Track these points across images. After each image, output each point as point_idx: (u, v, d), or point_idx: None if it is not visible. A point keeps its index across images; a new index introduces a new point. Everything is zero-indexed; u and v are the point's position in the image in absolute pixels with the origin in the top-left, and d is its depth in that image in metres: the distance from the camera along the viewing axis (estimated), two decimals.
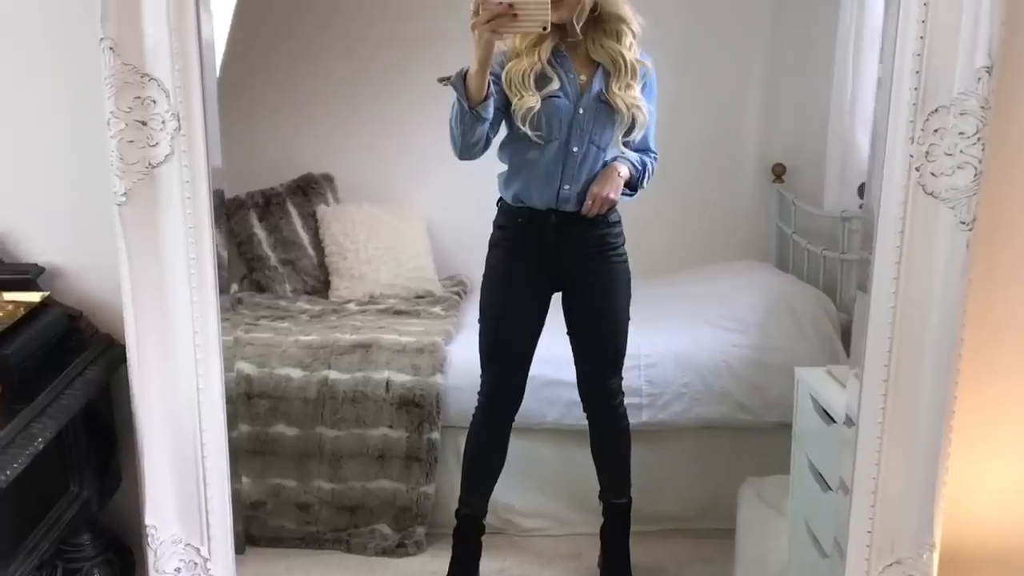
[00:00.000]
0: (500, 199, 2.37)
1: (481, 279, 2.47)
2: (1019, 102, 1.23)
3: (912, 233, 1.21)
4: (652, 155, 2.35)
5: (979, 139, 1.17)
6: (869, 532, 1.29)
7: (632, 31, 2.20)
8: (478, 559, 2.55)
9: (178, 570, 1.32)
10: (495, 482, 2.54)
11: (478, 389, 2.48)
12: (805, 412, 1.91)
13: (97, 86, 1.21)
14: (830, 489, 1.75)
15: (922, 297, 1.23)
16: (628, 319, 2.44)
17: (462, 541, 2.54)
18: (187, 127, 1.21)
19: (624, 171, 2.25)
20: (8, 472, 1.05)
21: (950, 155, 1.18)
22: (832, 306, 3.07)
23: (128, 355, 1.27)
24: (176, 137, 1.21)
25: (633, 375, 2.83)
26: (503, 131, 2.26)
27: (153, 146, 1.20)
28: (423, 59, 3.16)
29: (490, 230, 2.41)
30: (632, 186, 2.30)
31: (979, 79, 1.16)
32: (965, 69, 1.16)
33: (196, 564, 1.33)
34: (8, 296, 1.30)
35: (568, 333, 2.45)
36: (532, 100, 2.13)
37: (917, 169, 1.19)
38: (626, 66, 2.17)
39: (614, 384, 2.48)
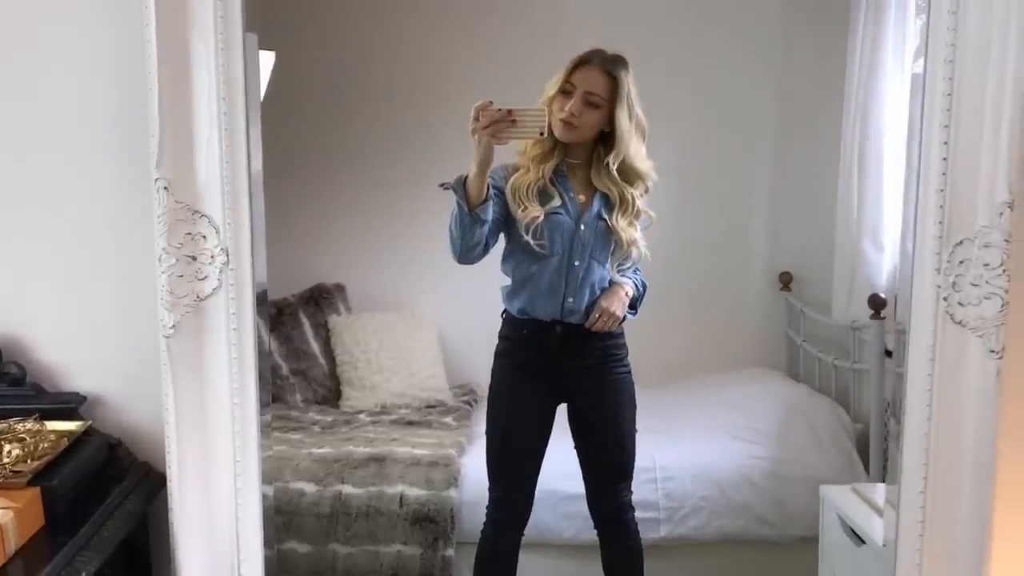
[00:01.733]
0: (504, 311, 2.41)
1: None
2: None
3: (943, 362, 1.24)
4: (640, 275, 2.40)
5: (1004, 270, 1.21)
6: None
7: (646, 185, 2.26)
8: None
9: None
10: None
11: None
12: (831, 530, 1.90)
13: (145, 222, 1.25)
14: None
15: (955, 424, 1.25)
16: (634, 430, 2.44)
17: None
18: (235, 261, 1.24)
19: (630, 290, 2.30)
20: None
21: (976, 286, 1.22)
22: (847, 416, 3.07)
23: (169, 481, 1.27)
24: (224, 271, 1.24)
25: (649, 488, 2.81)
26: (502, 243, 2.31)
27: (202, 280, 1.24)
28: (432, 172, 3.23)
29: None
30: (633, 305, 2.34)
31: (1001, 213, 1.20)
32: (987, 203, 1.21)
33: None
34: (51, 426, 1.31)
35: (575, 447, 2.44)
36: (536, 211, 2.19)
37: (945, 299, 1.23)
38: (632, 208, 2.23)
39: (623, 498, 2.45)
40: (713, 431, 3.06)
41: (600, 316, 2.24)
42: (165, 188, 1.21)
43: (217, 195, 1.22)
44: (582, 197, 2.26)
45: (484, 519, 2.50)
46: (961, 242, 1.22)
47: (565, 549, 2.80)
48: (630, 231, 2.24)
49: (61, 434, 1.30)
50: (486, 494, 2.52)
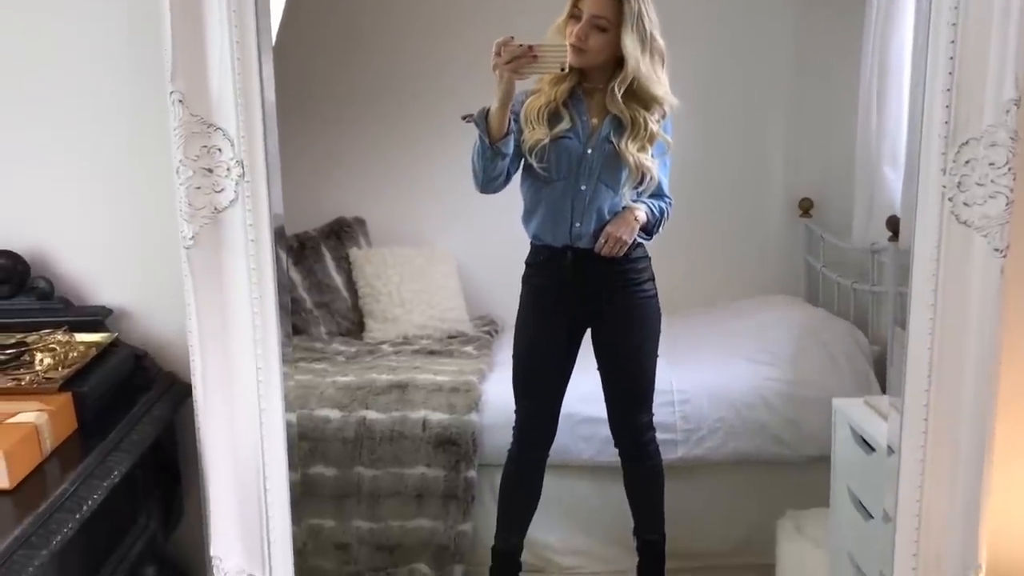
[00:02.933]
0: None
1: (514, 318, 2.51)
2: None
3: (947, 262, 1.25)
4: (667, 200, 2.40)
5: (1009, 169, 1.22)
6: (915, 555, 1.31)
7: (663, 111, 2.26)
8: None
9: None
10: (531, 518, 2.56)
11: (513, 425, 2.52)
12: (844, 443, 1.93)
13: (162, 136, 1.29)
14: (872, 518, 1.77)
15: (959, 324, 1.26)
16: (655, 356, 2.47)
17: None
18: (251, 173, 1.27)
19: (641, 215, 2.30)
20: (90, 502, 1.10)
21: (981, 185, 1.23)
22: (864, 338, 3.09)
23: (194, 391, 1.32)
24: (240, 183, 1.27)
25: (667, 411, 2.85)
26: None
27: (219, 192, 1.27)
28: (451, 105, 3.23)
29: (518, 270, 2.47)
30: (648, 230, 2.35)
31: (1007, 111, 1.20)
32: (993, 102, 1.21)
33: None
34: (80, 337, 1.36)
35: (598, 369, 2.48)
36: (541, 134, 2.20)
37: (950, 199, 1.24)
38: (645, 130, 2.22)
39: (642, 420, 2.50)
40: (730, 355, 3.09)
41: (607, 241, 2.26)
42: (180, 101, 1.24)
43: (231, 108, 1.25)
44: (594, 120, 2.26)
45: (505, 442, 2.56)
46: (967, 142, 1.23)
47: (583, 470, 2.86)
48: (640, 156, 2.23)
49: (89, 345, 1.35)
50: (507, 418, 2.58)
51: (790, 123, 3.81)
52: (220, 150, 1.26)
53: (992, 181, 1.22)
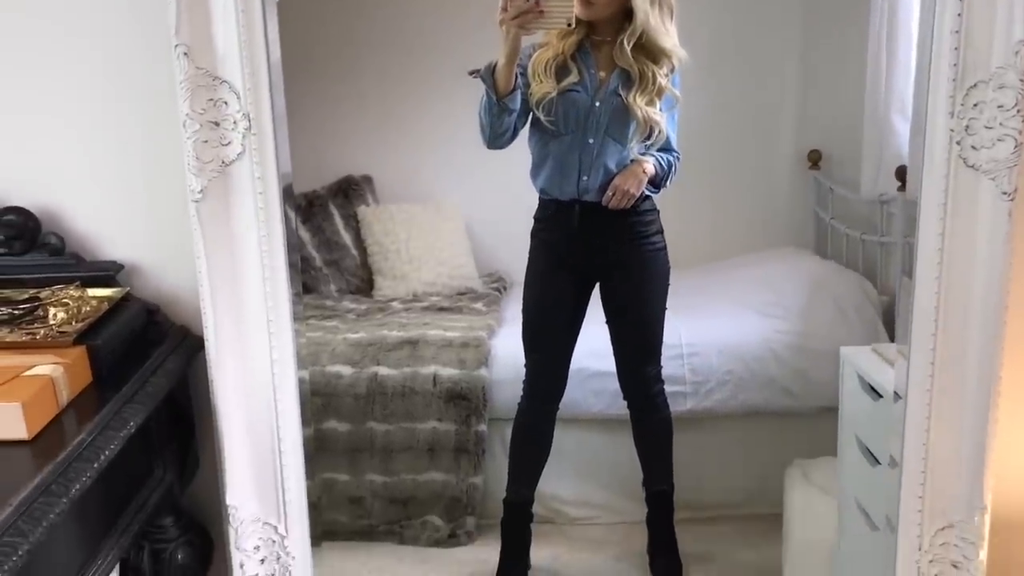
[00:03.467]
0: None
1: (522, 274, 2.53)
2: None
3: (955, 206, 1.25)
4: (675, 155, 2.39)
5: (1018, 111, 1.21)
6: (920, 497, 1.33)
7: (672, 64, 2.24)
8: (528, 547, 2.61)
9: (257, 548, 1.39)
10: (541, 471, 2.60)
11: (523, 379, 2.54)
12: (851, 390, 1.95)
13: (169, 90, 1.29)
14: (878, 463, 1.78)
15: (966, 269, 1.27)
16: (664, 308, 2.48)
17: (511, 529, 2.59)
18: (257, 126, 1.27)
19: (649, 168, 2.30)
20: (107, 452, 1.12)
21: (990, 128, 1.22)
22: (873, 290, 3.09)
23: (207, 344, 1.34)
24: (247, 136, 1.27)
25: (676, 364, 2.87)
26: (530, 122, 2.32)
27: (226, 145, 1.27)
28: (458, 61, 3.21)
29: (527, 227, 2.47)
30: (656, 183, 2.34)
31: (1017, 52, 1.19)
32: (1003, 43, 1.20)
33: (274, 542, 1.40)
34: (92, 292, 1.38)
35: (606, 323, 2.50)
36: (548, 87, 2.20)
37: (958, 143, 1.23)
38: (653, 84, 2.21)
39: (651, 373, 2.52)
40: (739, 308, 3.09)
41: (614, 194, 2.26)
42: (185, 54, 1.24)
43: (236, 60, 1.25)
44: (602, 74, 2.25)
45: (515, 397, 2.59)
46: (976, 84, 1.22)
47: (593, 423, 2.89)
48: (648, 109, 2.22)
49: (101, 299, 1.37)
50: (516, 373, 2.60)
51: (800, 75, 3.79)
52: (226, 103, 1.26)
53: (1001, 124, 1.22)
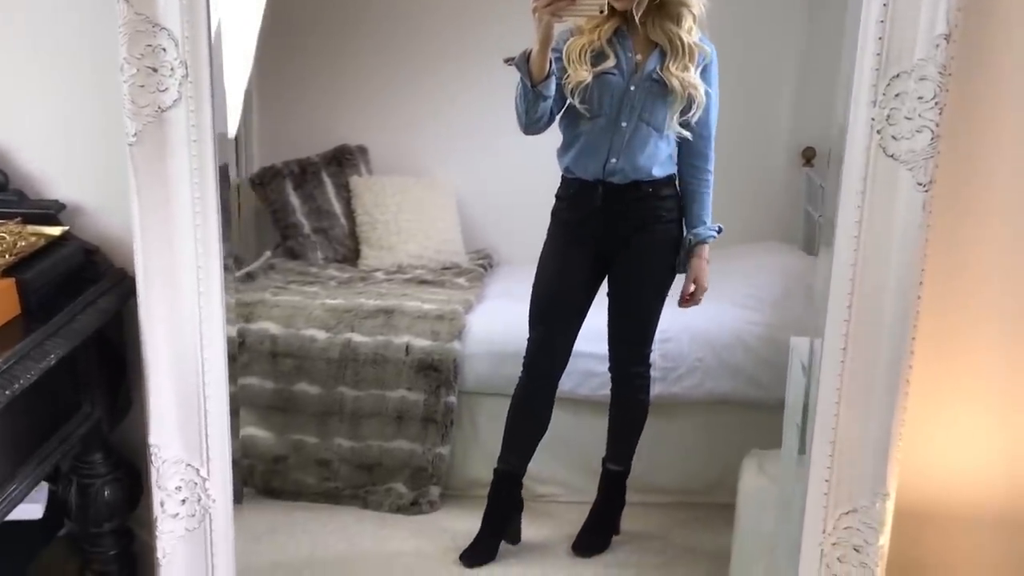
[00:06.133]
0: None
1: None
2: (980, 68, 1.28)
3: (873, 194, 1.26)
4: (708, 171, 2.47)
5: (936, 103, 1.22)
6: (827, 481, 1.35)
7: (693, 14, 2.25)
8: (518, 517, 2.64)
9: (178, 488, 1.43)
10: (536, 445, 2.62)
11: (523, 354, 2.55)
12: (796, 380, 1.95)
13: (114, 33, 1.31)
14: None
15: (882, 255, 1.28)
16: (666, 294, 2.52)
17: (500, 497, 2.62)
18: (194, 75, 1.30)
19: (706, 251, 2.45)
20: (22, 381, 1.16)
21: (909, 119, 1.23)
22: None
23: (137, 283, 1.37)
24: (184, 84, 1.30)
25: None
26: None
27: (162, 91, 1.30)
28: (459, 35, 3.23)
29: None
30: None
31: (937, 46, 1.20)
32: (925, 36, 1.21)
33: (195, 484, 1.43)
34: (31, 229, 1.42)
35: (608, 295, 2.51)
36: (584, 74, 2.21)
37: (879, 132, 1.24)
38: (683, 48, 2.23)
39: (645, 352, 2.57)
40: (715, 298, 3.07)
41: (695, 294, 2.45)
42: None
43: (176, 8, 1.27)
44: (639, 56, 2.27)
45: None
46: (898, 75, 1.23)
47: (563, 402, 2.86)
48: (684, 75, 2.24)
49: (39, 236, 1.40)
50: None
51: (798, 73, 3.76)
52: (164, 50, 1.29)
53: (920, 115, 1.22)
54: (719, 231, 2.46)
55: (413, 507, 2.87)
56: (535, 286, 2.50)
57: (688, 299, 2.48)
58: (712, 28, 3.49)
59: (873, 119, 1.24)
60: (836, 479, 1.34)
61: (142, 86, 1.29)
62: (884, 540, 1.34)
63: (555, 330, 2.50)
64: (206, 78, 1.31)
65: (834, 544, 1.35)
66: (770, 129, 3.82)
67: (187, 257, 1.36)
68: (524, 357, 2.55)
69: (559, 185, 2.44)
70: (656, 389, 2.87)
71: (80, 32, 1.43)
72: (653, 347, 2.89)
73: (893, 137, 1.24)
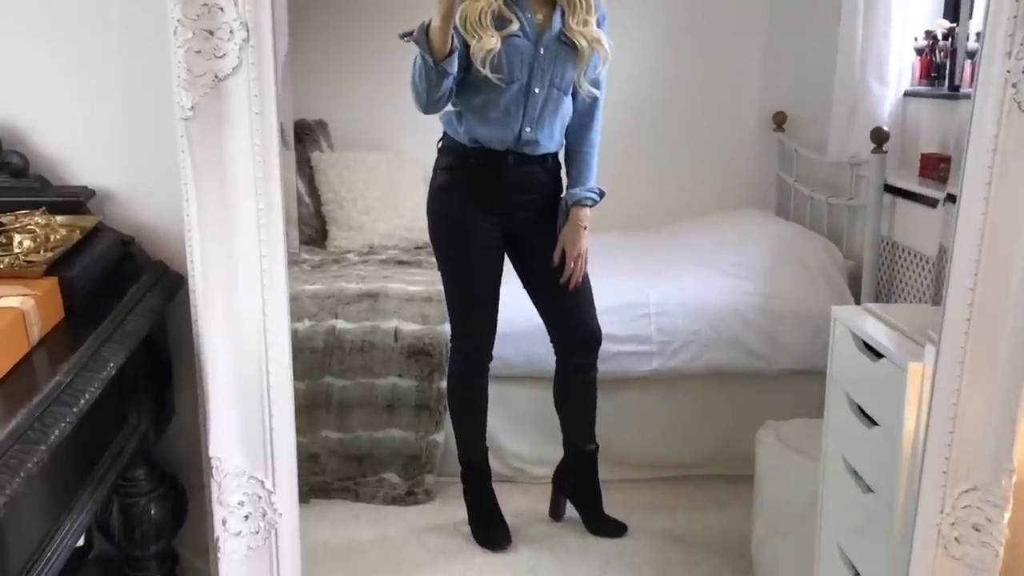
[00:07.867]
0: (442, 140, 2.32)
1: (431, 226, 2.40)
2: None
3: (1004, 151, 1.19)
4: (600, 94, 2.30)
5: None
6: (947, 459, 1.28)
7: None
8: (495, 500, 2.54)
9: (241, 503, 1.27)
10: (486, 422, 2.53)
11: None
12: (844, 351, 1.89)
13: None
14: (876, 425, 1.74)
15: (1010, 217, 1.21)
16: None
17: (479, 485, 2.54)
18: (255, 38, 1.14)
19: (586, 218, 2.28)
20: (87, 396, 0.99)
21: None
22: (839, 253, 3.07)
23: (193, 281, 1.20)
24: (245, 48, 1.14)
25: (643, 323, 2.82)
26: None
27: (220, 57, 1.13)
28: (418, 6, 3.07)
29: None
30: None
31: None
32: None
33: (260, 497, 1.28)
34: (61, 220, 1.23)
35: (523, 278, 2.42)
36: (492, 41, 2.07)
37: (1014, 86, 1.17)
38: (581, 2, 2.13)
39: (594, 325, 2.44)
40: (705, 268, 3.05)
41: (574, 264, 2.27)
42: None
43: None
44: (539, 16, 2.16)
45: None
46: None
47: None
48: (587, 30, 2.15)
49: (72, 228, 1.22)
50: None
51: (766, 38, 3.73)
52: (222, 9, 1.12)
53: None
54: (601, 195, 2.31)
55: (408, 497, 2.76)
56: (451, 272, 2.38)
57: (569, 275, 2.30)
58: None
59: (1008, 71, 1.16)
60: (956, 456, 1.27)
61: (198, 52, 1.12)
62: (1007, 517, 1.29)
63: (484, 314, 2.39)
64: (268, 42, 1.14)
65: (952, 524, 1.29)
66: (740, 95, 3.80)
67: (249, 245, 1.19)
68: (454, 343, 2.47)
69: (446, 155, 2.30)
70: (653, 363, 2.82)
71: None
72: (650, 320, 2.84)
73: None
